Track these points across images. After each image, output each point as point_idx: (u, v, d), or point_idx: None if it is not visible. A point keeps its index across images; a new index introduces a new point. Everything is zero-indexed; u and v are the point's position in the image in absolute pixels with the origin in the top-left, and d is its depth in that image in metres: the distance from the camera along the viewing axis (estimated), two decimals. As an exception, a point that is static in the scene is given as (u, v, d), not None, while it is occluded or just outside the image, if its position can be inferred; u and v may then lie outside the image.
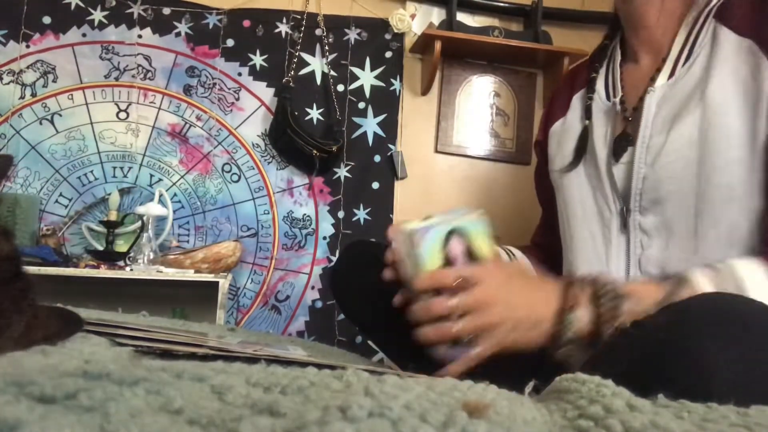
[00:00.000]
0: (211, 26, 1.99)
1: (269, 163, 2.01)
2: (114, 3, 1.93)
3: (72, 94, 1.91)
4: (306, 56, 2.03)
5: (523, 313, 0.67)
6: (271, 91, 2.01)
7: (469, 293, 0.66)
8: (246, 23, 2.01)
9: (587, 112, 0.92)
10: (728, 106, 0.75)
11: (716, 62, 0.77)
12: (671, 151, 0.78)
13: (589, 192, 0.89)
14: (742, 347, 0.48)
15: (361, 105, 2.06)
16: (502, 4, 2.14)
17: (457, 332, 0.66)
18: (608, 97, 0.91)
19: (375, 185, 2.06)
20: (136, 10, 1.94)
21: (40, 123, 1.88)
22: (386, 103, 2.08)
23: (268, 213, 2.00)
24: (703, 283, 0.67)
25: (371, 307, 0.90)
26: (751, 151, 0.74)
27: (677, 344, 0.50)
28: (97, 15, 1.92)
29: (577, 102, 0.97)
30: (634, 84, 0.89)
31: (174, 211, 1.92)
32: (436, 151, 2.13)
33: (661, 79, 0.83)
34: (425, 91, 2.11)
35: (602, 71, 0.95)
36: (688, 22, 0.83)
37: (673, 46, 0.83)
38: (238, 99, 2.00)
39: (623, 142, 0.85)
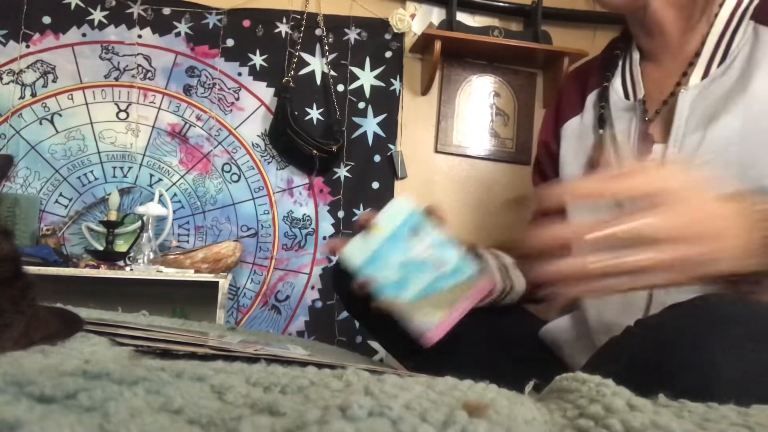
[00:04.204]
0: (211, 26, 1.99)
1: (269, 163, 2.01)
2: (114, 3, 1.93)
3: (72, 94, 1.91)
4: (306, 56, 2.03)
5: (713, 246, 0.49)
6: (271, 91, 2.01)
7: (652, 212, 0.47)
8: (246, 23, 2.01)
9: (601, 121, 0.91)
10: None
11: (761, 62, 0.76)
12: (709, 151, 0.76)
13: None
14: (743, 347, 0.48)
15: (361, 105, 2.06)
16: (502, 4, 2.14)
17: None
18: (626, 96, 0.90)
19: (375, 185, 2.06)
20: (136, 10, 1.94)
21: (40, 123, 1.88)
22: (386, 103, 2.08)
23: (268, 213, 2.00)
24: None
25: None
26: None
27: (678, 344, 0.50)
28: (97, 15, 1.92)
29: (591, 103, 0.95)
30: (656, 84, 0.88)
31: (174, 211, 1.92)
32: (436, 151, 2.13)
33: (694, 78, 0.81)
34: (425, 91, 2.11)
35: (617, 70, 0.93)
36: (719, 23, 0.82)
37: (704, 47, 0.82)
38: (238, 99, 2.00)
39: (647, 142, 0.83)
